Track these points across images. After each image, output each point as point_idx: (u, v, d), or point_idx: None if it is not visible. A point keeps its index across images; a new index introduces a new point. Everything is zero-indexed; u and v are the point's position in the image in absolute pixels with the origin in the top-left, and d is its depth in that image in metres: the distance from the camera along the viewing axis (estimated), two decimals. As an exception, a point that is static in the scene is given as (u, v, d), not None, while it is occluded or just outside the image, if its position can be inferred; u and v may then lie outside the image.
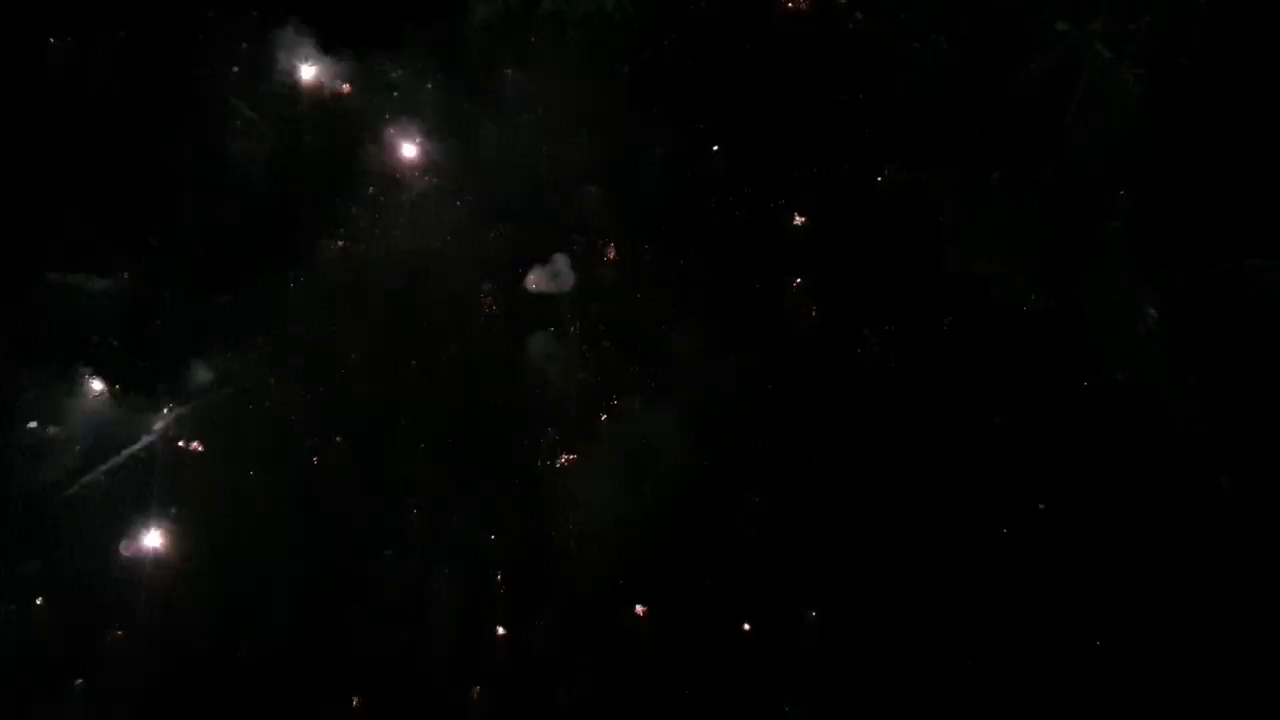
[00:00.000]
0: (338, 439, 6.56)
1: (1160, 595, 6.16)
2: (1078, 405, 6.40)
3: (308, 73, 7.78)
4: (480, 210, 6.87)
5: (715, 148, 6.40)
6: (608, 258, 6.63)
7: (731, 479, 6.42)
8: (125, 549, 6.58)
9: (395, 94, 7.32)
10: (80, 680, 6.46)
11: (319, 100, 7.53)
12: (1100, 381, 6.35)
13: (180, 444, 6.72)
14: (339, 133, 7.63)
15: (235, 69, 7.62)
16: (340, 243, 7.09)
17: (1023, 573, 6.28)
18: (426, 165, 7.29)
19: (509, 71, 6.83)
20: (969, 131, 6.50)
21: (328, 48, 7.75)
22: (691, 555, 6.49)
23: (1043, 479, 6.37)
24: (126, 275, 6.98)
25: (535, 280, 6.50)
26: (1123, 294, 6.41)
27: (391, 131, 7.52)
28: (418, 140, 7.34)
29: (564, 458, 6.78)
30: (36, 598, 6.44)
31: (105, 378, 6.84)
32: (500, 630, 6.50)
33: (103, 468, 6.60)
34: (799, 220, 6.52)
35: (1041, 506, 6.31)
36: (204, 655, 6.55)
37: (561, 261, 6.54)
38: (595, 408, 6.64)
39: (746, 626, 6.10)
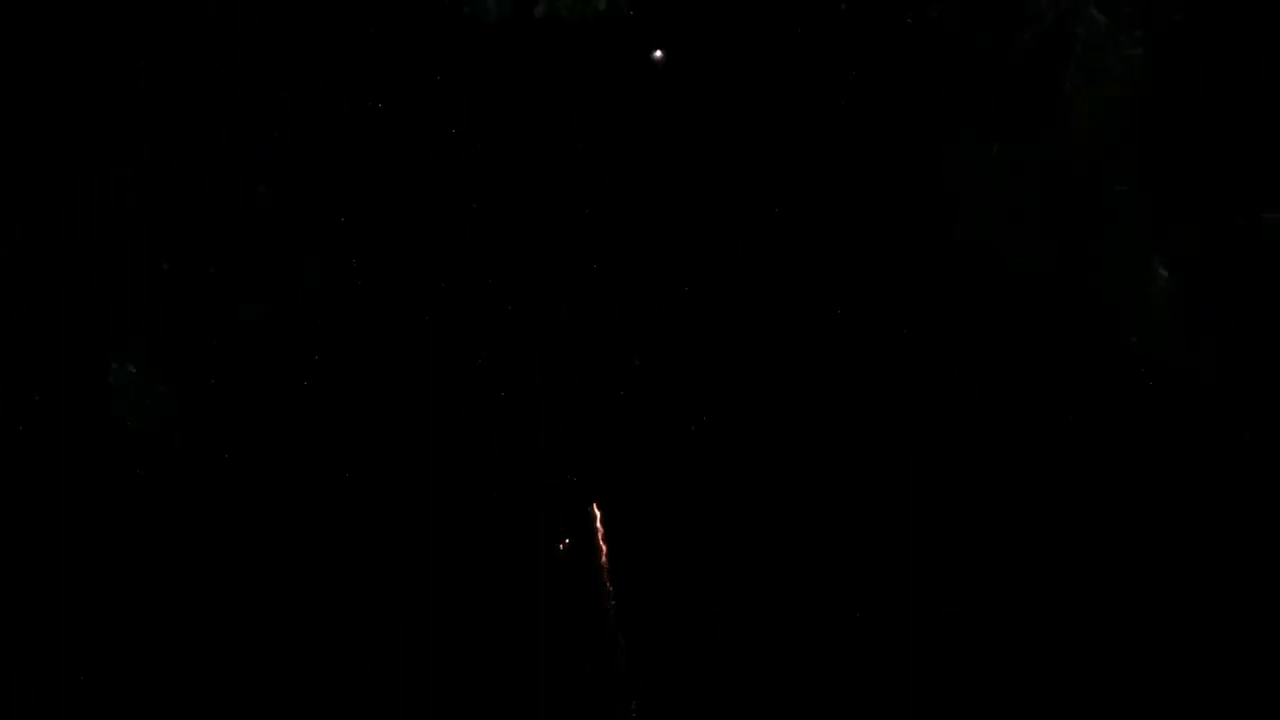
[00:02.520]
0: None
1: (1180, 558, 6.14)
2: (1092, 370, 6.37)
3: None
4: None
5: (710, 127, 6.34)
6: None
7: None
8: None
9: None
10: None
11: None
12: (1114, 345, 6.32)
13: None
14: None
15: None
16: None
17: (1035, 539, 6.26)
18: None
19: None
20: (965, 104, 6.48)
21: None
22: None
23: (1061, 446, 6.35)
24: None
25: None
26: (1133, 256, 6.37)
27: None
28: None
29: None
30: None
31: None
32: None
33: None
34: (798, 200, 6.45)
35: (1059, 471, 6.28)
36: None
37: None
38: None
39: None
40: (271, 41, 6.34)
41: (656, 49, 6.37)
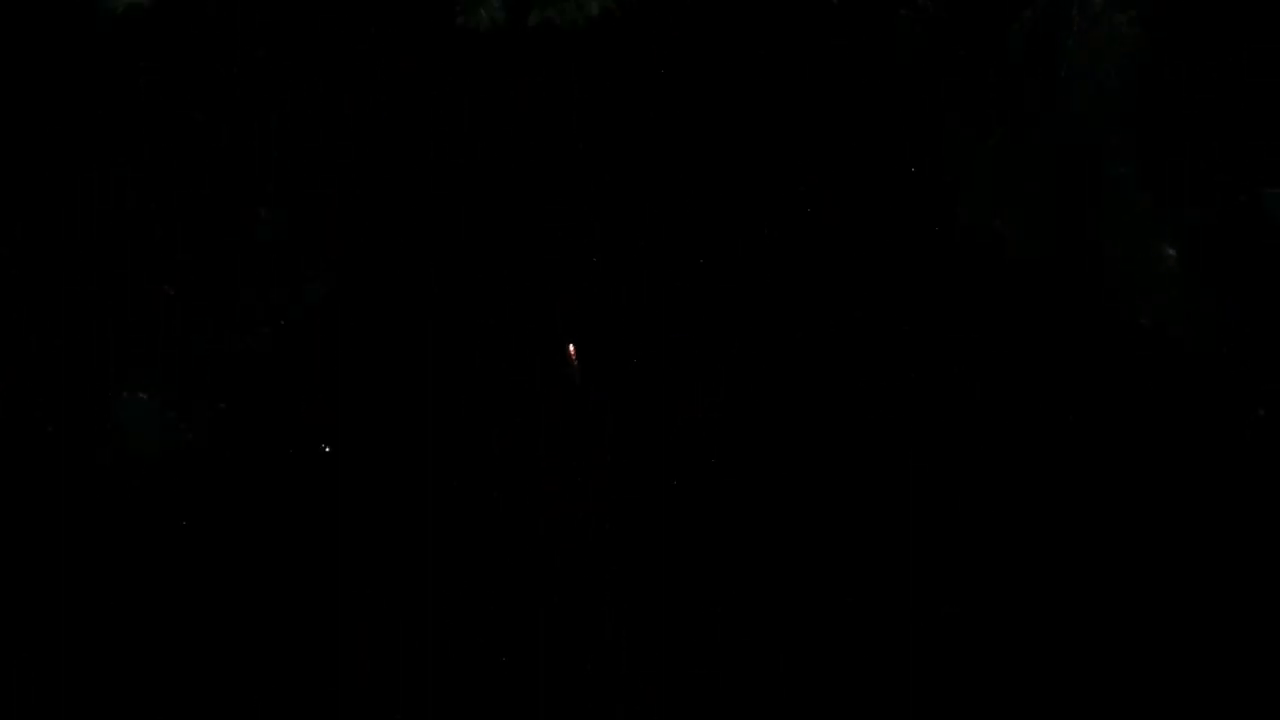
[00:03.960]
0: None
1: (1186, 535, 6.00)
2: (1101, 351, 6.28)
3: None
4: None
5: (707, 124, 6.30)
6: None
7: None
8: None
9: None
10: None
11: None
12: (1123, 326, 6.23)
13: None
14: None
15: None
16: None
17: (1042, 521, 6.15)
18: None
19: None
20: (964, 91, 6.42)
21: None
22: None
23: (1071, 427, 6.25)
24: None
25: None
26: (1138, 236, 6.29)
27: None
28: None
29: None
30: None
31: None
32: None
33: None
34: (800, 194, 6.37)
35: (1071, 454, 6.16)
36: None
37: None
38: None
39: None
40: (271, 44, 6.39)
41: (652, 52, 6.38)
